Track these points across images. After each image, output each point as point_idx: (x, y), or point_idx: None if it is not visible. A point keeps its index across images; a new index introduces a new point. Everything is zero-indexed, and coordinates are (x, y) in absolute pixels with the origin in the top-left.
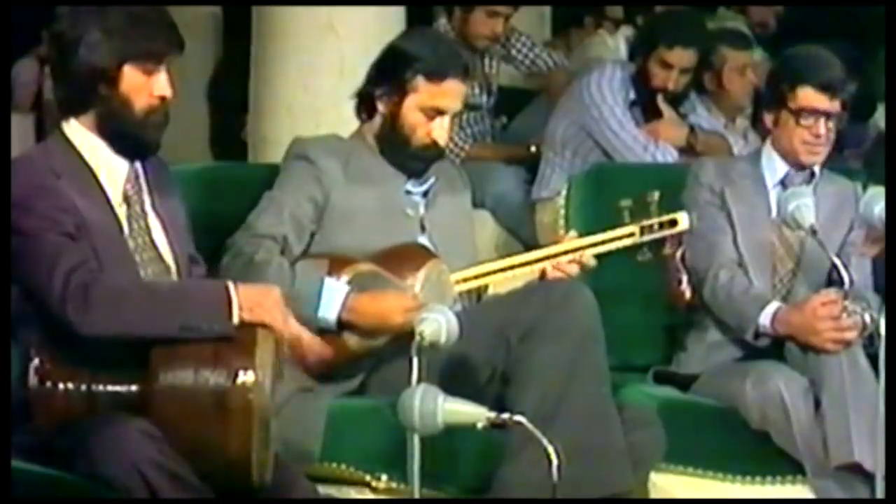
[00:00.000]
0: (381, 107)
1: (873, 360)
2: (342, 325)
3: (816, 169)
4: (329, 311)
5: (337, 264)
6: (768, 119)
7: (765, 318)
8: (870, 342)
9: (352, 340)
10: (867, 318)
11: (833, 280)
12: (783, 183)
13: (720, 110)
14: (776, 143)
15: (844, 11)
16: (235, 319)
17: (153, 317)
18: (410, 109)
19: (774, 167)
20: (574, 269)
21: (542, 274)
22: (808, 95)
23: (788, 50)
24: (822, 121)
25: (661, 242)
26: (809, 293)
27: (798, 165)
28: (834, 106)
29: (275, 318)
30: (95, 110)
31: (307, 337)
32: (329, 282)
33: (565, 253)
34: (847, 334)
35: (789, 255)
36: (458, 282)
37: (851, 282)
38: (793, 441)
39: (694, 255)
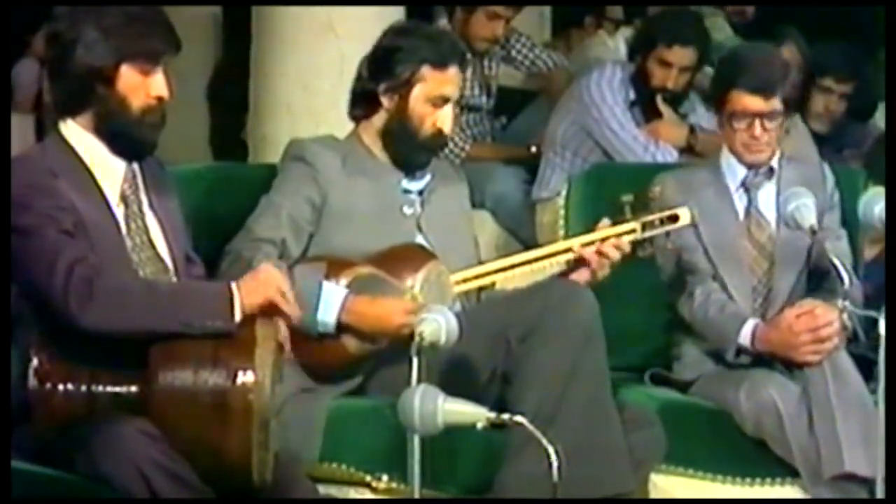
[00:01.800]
0: (386, 102)
1: (857, 359)
2: (341, 328)
3: (775, 164)
4: (328, 314)
5: (336, 267)
6: (717, 123)
7: (744, 339)
8: (854, 337)
9: (350, 343)
10: (846, 318)
11: (812, 269)
12: (745, 184)
13: None
14: (727, 146)
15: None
16: (238, 316)
17: (155, 313)
18: (418, 101)
19: (734, 170)
20: (616, 254)
21: (577, 262)
22: (740, 98)
23: (725, 53)
24: (756, 122)
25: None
26: (790, 286)
27: (750, 165)
28: (770, 105)
29: (273, 293)
30: (92, 110)
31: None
32: (328, 285)
33: (566, 251)
34: (827, 344)
35: (763, 255)
36: (457, 282)
37: (851, 281)
38: (789, 449)
39: (667, 274)
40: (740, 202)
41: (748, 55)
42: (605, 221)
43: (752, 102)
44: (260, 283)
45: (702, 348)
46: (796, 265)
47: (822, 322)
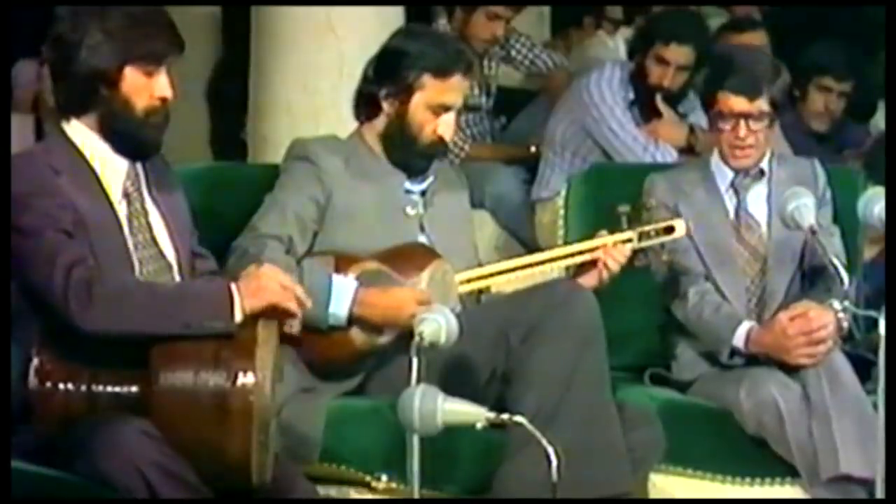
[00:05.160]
0: (386, 106)
1: (853, 360)
2: (351, 320)
3: (765, 165)
4: (340, 306)
5: (343, 262)
6: (708, 125)
7: (738, 341)
8: (850, 336)
9: (358, 337)
10: (842, 318)
11: (806, 268)
12: (734, 185)
13: None
14: (717, 148)
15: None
16: (238, 317)
17: (155, 314)
18: (418, 108)
19: (723, 171)
20: (623, 258)
21: (584, 266)
22: (725, 99)
23: (712, 54)
24: (741, 123)
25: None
26: (784, 287)
27: (737, 170)
28: (757, 106)
29: (275, 293)
30: (96, 111)
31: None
32: (337, 278)
33: (566, 257)
34: (821, 347)
35: (755, 256)
36: (462, 283)
37: (851, 281)
38: (788, 448)
39: (661, 276)
40: (730, 203)
41: (735, 56)
42: (603, 232)
43: (736, 103)
44: (261, 287)
45: (700, 348)
46: (790, 265)
47: (816, 325)
